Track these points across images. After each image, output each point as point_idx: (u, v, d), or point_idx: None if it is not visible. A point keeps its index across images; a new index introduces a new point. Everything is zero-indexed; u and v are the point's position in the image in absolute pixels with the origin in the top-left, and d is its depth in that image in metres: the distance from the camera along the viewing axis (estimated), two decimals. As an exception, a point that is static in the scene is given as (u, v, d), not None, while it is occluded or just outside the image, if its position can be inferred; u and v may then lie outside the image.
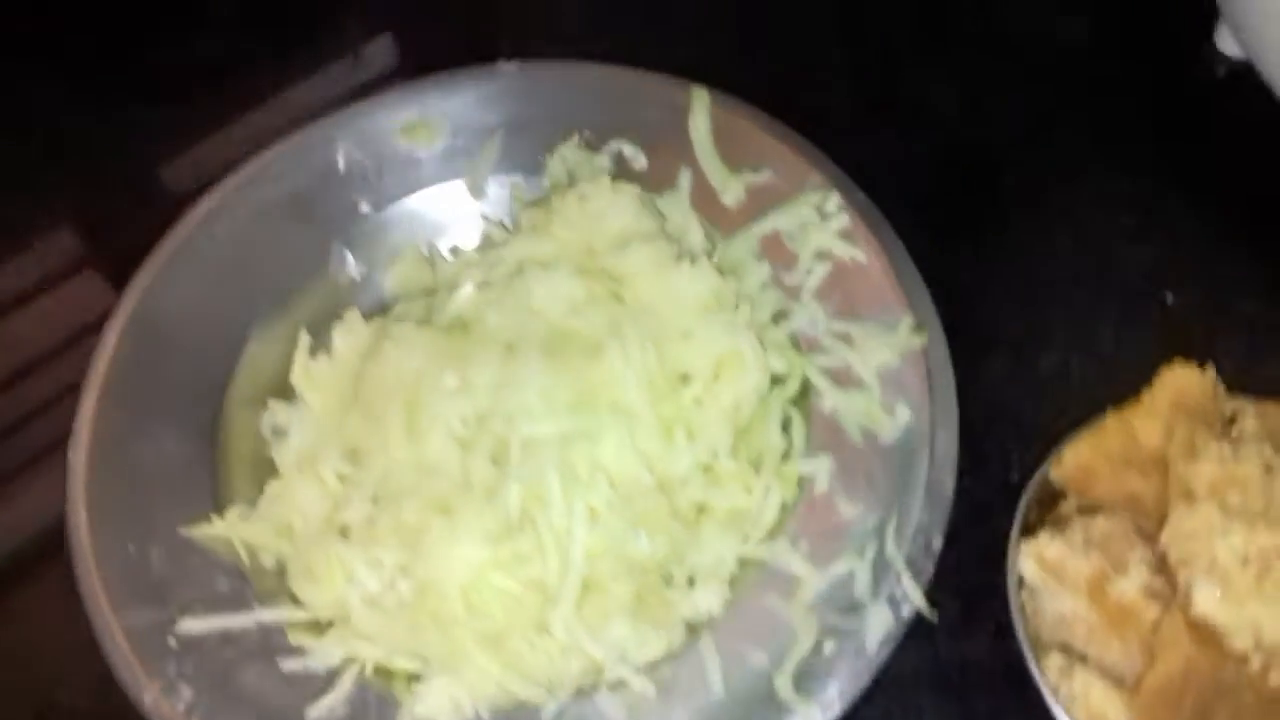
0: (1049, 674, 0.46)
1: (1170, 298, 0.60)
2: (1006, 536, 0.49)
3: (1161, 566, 0.47)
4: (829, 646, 0.47)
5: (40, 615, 0.55)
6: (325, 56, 0.73)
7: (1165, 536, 0.46)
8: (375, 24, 0.75)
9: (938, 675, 0.51)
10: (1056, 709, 0.46)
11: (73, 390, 0.54)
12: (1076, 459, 0.50)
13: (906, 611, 0.47)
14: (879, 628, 0.47)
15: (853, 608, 0.48)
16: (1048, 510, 0.50)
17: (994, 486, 0.53)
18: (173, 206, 0.59)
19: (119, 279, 0.57)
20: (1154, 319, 0.60)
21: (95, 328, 0.56)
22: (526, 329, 0.53)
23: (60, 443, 0.53)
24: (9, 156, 0.72)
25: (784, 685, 0.46)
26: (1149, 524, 0.48)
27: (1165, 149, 0.66)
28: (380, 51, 0.74)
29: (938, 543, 0.48)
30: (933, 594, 0.47)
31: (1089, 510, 0.49)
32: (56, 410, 0.58)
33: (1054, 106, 0.68)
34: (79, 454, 0.52)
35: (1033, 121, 0.68)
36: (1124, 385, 0.53)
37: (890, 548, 0.48)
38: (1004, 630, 0.48)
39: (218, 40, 0.76)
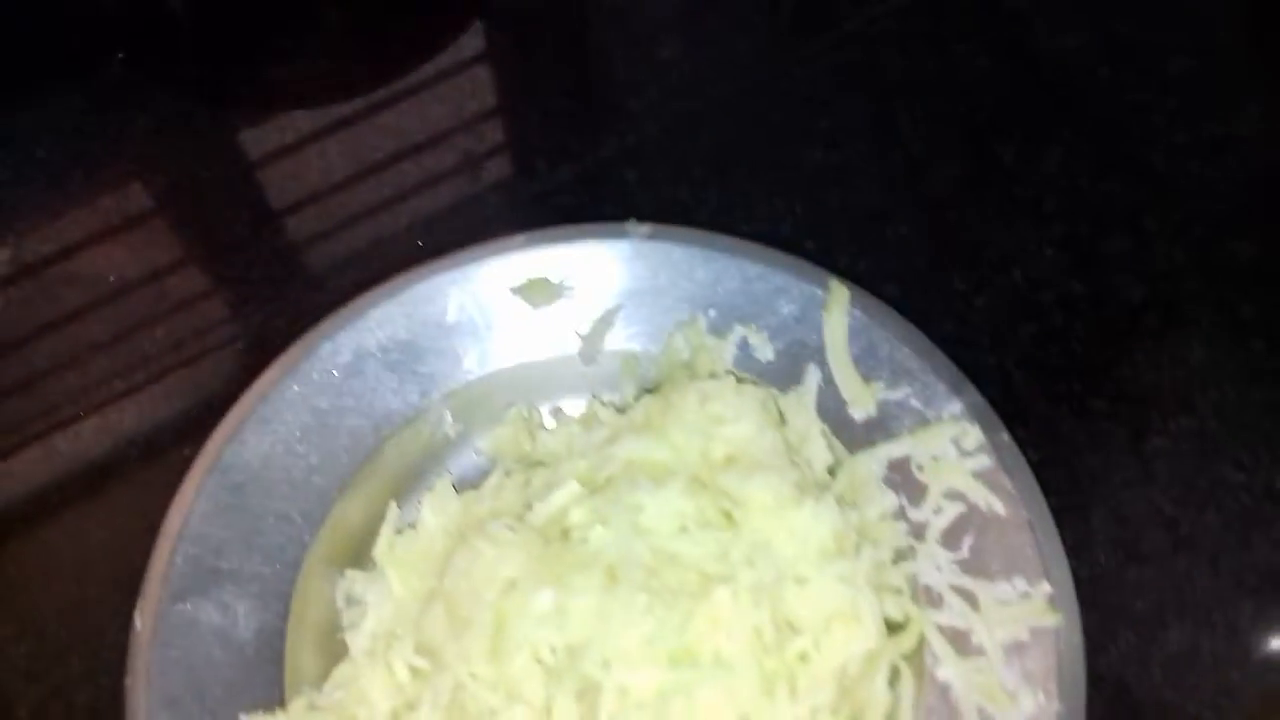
0: None
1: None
2: None
3: None
4: None
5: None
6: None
7: None
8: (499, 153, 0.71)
9: None
10: None
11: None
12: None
13: None
14: None
15: None
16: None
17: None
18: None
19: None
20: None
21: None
22: (631, 550, 0.49)
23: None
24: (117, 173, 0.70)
25: None
26: None
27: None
28: (502, 176, 0.70)
29: None
30: None
31: None
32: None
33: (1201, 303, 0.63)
34: (146, 621, 0.49)
35: (1177, 325, 0.63)
36: (1264, 677, 0.48)
37: None
38: None
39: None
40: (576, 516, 0.50)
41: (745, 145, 0.70)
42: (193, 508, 0.52)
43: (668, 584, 0.48)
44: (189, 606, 0.50)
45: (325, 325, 0.56)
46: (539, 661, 0.48)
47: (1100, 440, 0.59)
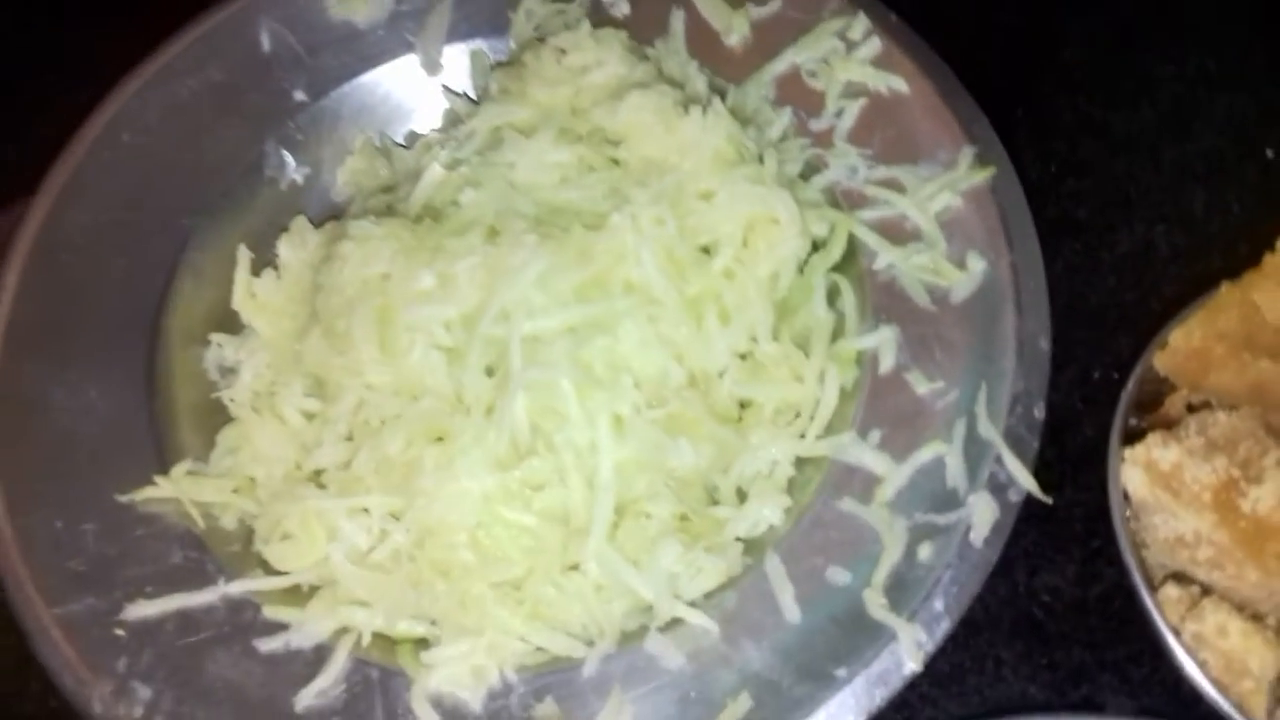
0: (1167, 610, 0.38)
1: (1270, 154, 0.52)
2: (1101, 442, 0.41)
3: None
4: (925, 551, 0.38)
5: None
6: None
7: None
8: None
9: (1021, 618, 0.43)
10: (1181, 655, 0.37)
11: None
12: (1187, 342, 0.41)
13: (1014, 497, 0.39)
14: (984, 519, 0.38)
15: (947, 501, 0.39)
16: (1151, 409, 0.41)
17: (1081, 385, 0.46)
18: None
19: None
20: (1252, 180, 0.51)
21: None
22: (510, 205, 0.43)
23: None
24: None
25: (876, 602, 0.38)
26: (1283, 419, 0.40)
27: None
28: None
29: (1040, 411, 0.40)
30: (1045, 473, 0.39)
31: (1204, 406, 0.40)
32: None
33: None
34: (-19, 420, 0.43)
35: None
36: (1226, 258, 0.45)
37: (984, 423, 0.40)
38: (1103, 557, 0.41)
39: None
40: (443, 193, 0.45)
41: None
42: (17, 292, 0.45)
43: (559, 227, 0.42)
44: (34, 400, 0.44)
45: (126, 86, 0.49)
46: (436, 347, 0.42)
47: (1011, 51, 0.55)
